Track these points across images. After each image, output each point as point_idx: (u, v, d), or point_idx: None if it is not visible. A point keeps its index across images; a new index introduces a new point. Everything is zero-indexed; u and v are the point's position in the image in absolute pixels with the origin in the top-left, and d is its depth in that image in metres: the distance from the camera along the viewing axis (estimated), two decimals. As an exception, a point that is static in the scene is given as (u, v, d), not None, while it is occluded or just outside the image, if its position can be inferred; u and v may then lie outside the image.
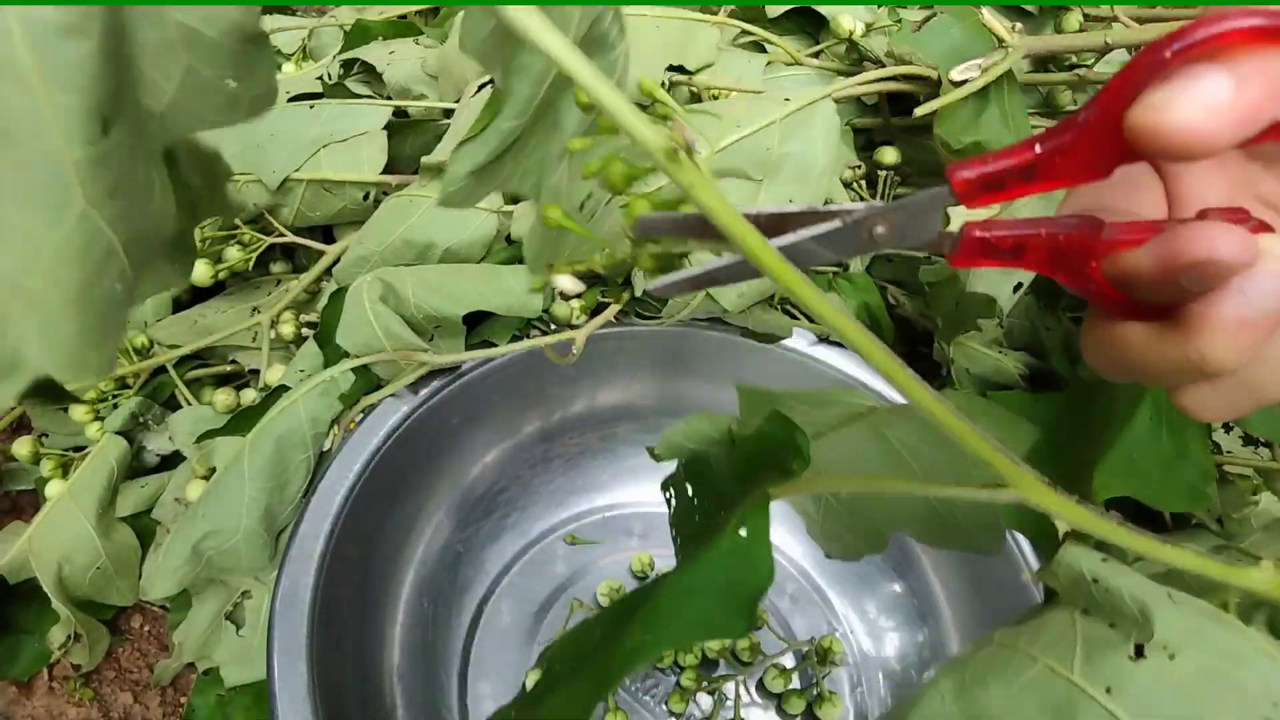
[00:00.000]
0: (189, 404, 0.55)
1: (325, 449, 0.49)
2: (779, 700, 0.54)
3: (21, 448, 0.57)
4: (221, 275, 0.58)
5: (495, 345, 0.51)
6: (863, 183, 0.60)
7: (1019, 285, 0.50)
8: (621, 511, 0.62)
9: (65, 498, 0.53)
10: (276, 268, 0.61)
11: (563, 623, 0.56)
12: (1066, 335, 0.58)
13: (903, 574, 0.58)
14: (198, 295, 0.63)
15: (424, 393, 0.49)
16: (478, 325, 0.52)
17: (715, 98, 0.55)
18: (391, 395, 0.49)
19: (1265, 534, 0.58)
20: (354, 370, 0.49)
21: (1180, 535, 0.58)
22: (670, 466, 0.29)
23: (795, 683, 0.54)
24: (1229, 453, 0.59)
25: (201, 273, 0.58)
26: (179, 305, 0.61)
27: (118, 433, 0.56)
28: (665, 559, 0.59)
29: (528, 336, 0.52)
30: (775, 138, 0.49)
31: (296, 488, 0.51)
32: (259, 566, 0.49)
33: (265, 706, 0.52)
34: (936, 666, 0.55)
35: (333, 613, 0.43)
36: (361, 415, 0.48)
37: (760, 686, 0.55)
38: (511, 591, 0.58)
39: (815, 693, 0.54)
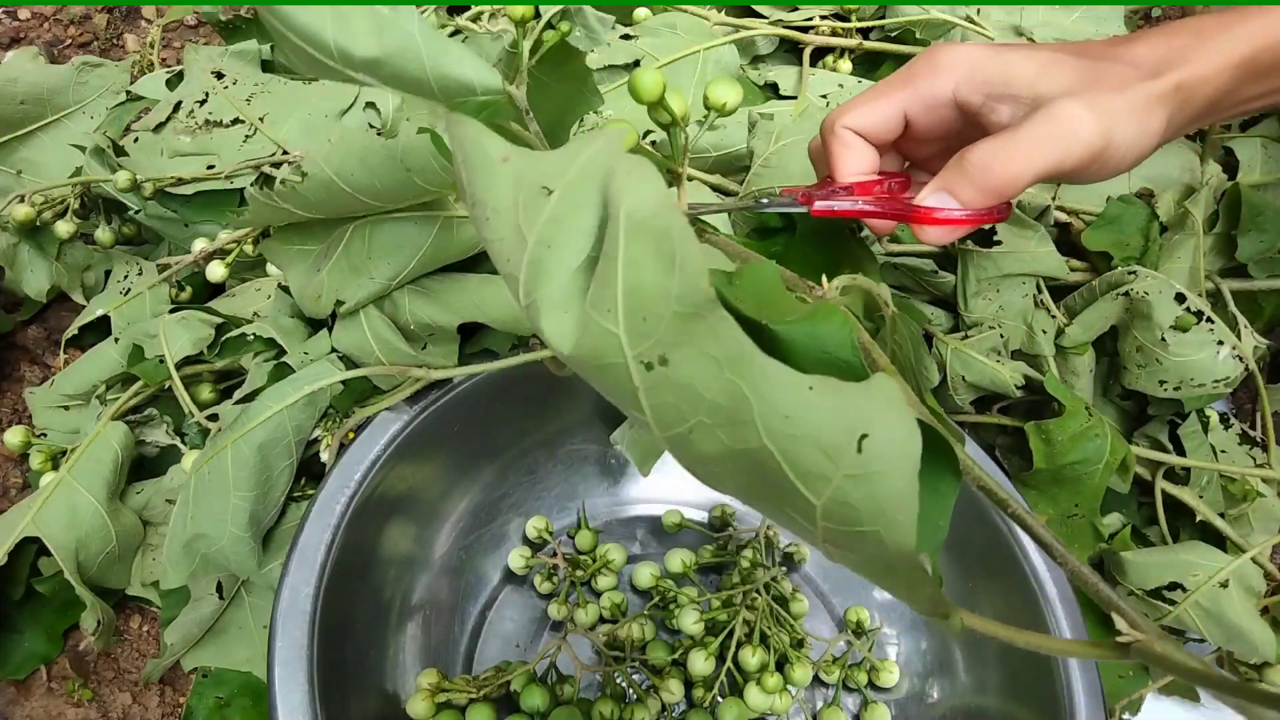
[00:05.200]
0: (186, 401, 0.55)
1: (323, 461, 0.49)
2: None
3: (14, 436, 0.57)
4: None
5: (494, 355, 0.51)
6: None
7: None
8: (622, 516, 0.62)
9: (67, 481, 0.53)
10: (275, 269, 0.60)
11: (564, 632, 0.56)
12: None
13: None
14: (194, 300, 0.63)
15: (424, 401, 0.49)
16: (475, 333, 0.52)
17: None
18: (388, 406, 0.49)
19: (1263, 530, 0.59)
20: (343, 381, 0.49)
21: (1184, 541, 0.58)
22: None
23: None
24: (1224, 452, 0.59)
25: (218, 272, 0.59)
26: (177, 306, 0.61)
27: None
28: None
29: (528, 344, 0.52)
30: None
31: (280, 492, 0.51)
32: (248, 570, 0.50)
33: (263, 708, 0.53)
34: (941, 675, 0.55)
35: (334, 623, 0.43)
36: (359, 426, 0.48)
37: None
38: (514, 598, 0.58)
39: (869, 665, 0.56)
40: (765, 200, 0.42)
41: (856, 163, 0.41)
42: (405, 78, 0.31)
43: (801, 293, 0.28)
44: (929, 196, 0.38)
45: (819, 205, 0.40)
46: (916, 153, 0.44)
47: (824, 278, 0.27)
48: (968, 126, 0.40)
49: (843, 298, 0.27)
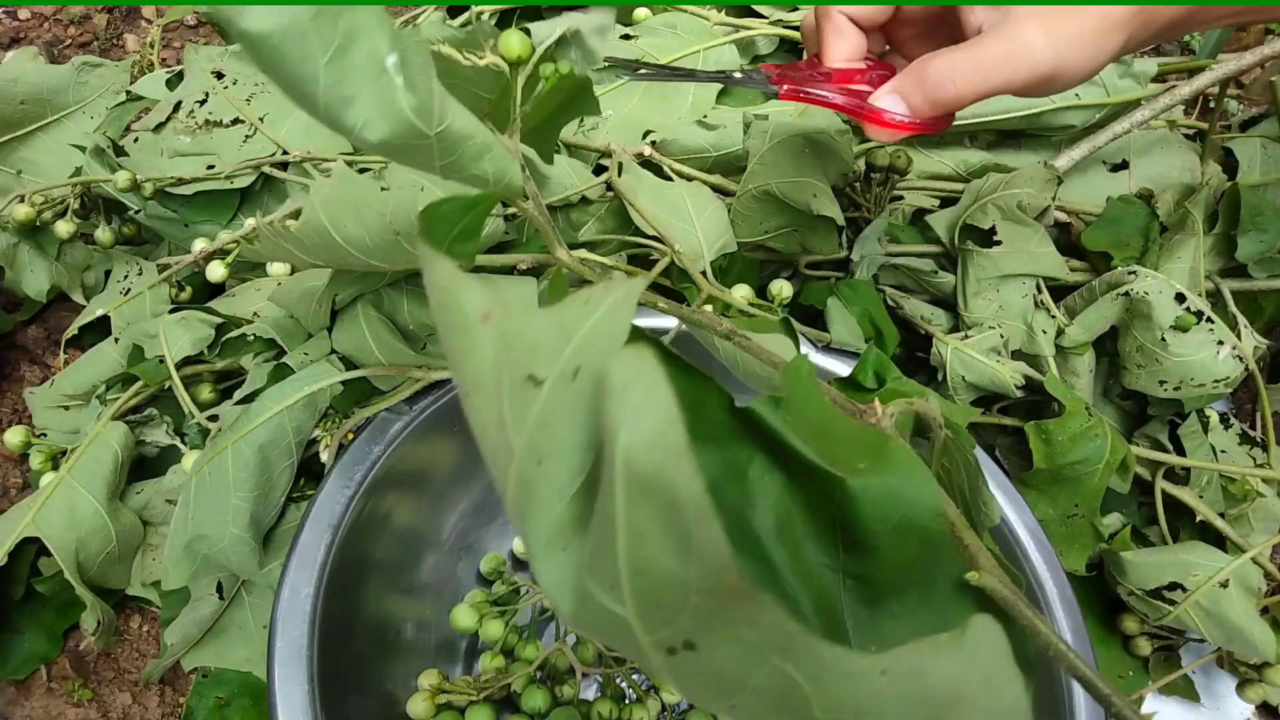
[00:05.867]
0: (186, 401, 0.55)
1: (323, 461, 0.49)
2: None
3: (14, 436, 0.57)
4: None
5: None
6: (856, 185, 0.60)
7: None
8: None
9: (67, 481, 0.53)
10: (275, 268, 0.60)
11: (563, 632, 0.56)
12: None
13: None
14: (194, 300, 0.63)
15: (423, 402, 0.49)
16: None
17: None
18: (387, 407, 0.49)
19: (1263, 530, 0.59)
20: (342, 382, 0.49)
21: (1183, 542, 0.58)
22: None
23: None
24: (1224, 452, 0.59)
25: (218, 272, 0.58)
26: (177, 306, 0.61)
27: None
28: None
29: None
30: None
31: (280, 492, 0.51)
32: (249, 570, 0.50)
33: (263, 708, 0.53)
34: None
35: (334, 623, 0.43)
36: (359, 427, 0.48)
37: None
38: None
39: None
40: (739, 75, 0.44)
41: (844, 48, 0.43)
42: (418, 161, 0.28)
43: (851, 414, 0.25)
44: (882, 98, 0.41)
45: (786, 90, 0.43)
46: (897, 35, 0.46)
47: (877, 401, 0.25)
48: (947, 15, 0.42)
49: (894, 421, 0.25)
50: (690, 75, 0.44)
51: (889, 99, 0.41)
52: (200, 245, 0.59)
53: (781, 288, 0.56)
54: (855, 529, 0.22)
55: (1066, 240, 0.62)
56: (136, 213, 0.64)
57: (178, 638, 0.53)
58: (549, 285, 0.27)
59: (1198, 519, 0.58)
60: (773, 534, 0.22)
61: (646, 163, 0.59)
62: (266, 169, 0.63)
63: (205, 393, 0.57)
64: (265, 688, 0.41)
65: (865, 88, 0.44)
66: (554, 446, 0.17)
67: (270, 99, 0.68)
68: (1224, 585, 0.53)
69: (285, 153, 0.64)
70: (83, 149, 0.67)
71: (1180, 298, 0.54)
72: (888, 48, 0.47)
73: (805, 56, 0.46)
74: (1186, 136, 0.68)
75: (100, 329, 0.62)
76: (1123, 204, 0.59)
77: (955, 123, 0.63)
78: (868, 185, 0.60)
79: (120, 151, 0.65)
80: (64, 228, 0.62)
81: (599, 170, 0.60)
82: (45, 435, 0.60)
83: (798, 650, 0.16)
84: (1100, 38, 0.39)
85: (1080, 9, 0.38)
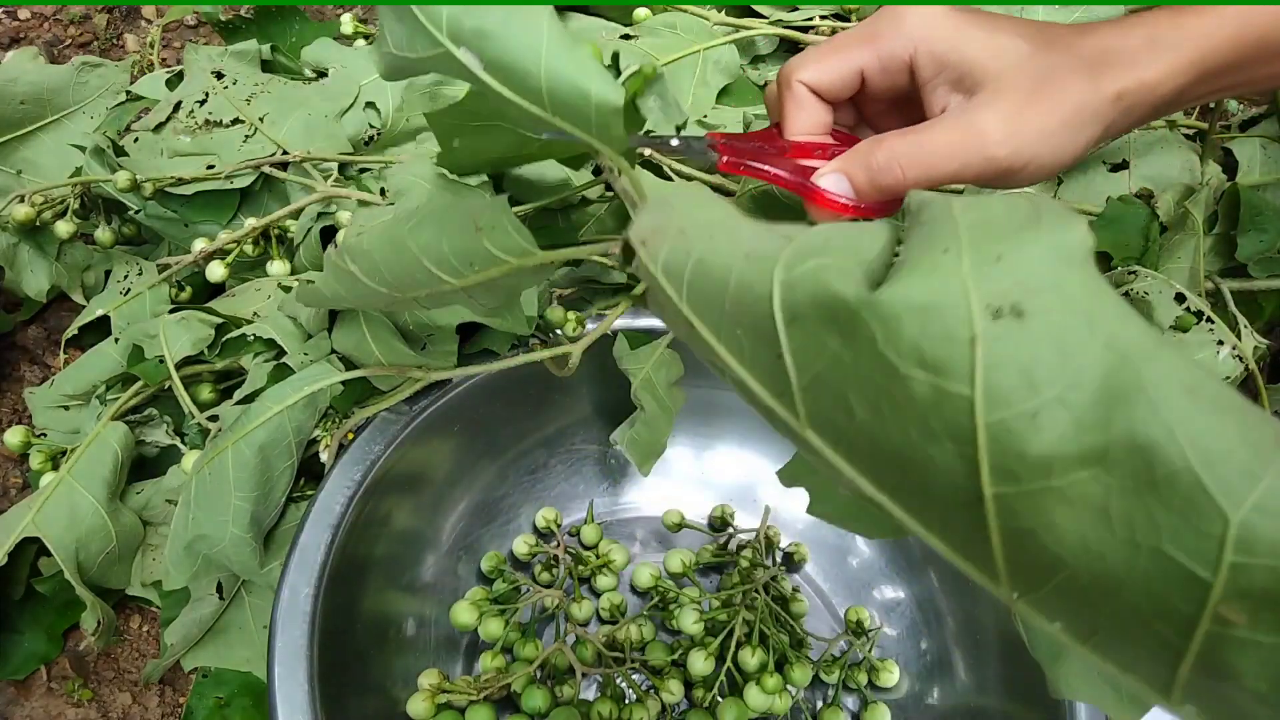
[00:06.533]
0: (186, 402, 0.55)
1: (323, 461, 0.49)
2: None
3: (14, 436, 0.57)
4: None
5: (494, 356, 0.51)
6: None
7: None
8: (622, 517, 0.62)
9: (67, 481, 0.53)
10: (275, 268, 0.60)
11: (563, 633, 0.56)
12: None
13: (908, 581, 0.58)
14: (194, 300, 0.63)
15: (423, 402, 0.49)
16: (474, 333, 0.52)
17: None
18: (387, 407, 0.49)
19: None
20: (342, 382, 0.49)
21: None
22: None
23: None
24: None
25: (218, 272, 0.58)
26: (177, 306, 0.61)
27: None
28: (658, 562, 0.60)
29: (528, 344, 0.52)
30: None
31: (280, 492, 0.51)
32: (249, 571, 0.50)
33: (263, 708, 0.53)
34: (941, 675, 0.55)
35: (334, 623, 0.43)
36: (358, 427, 0.48)
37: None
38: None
39: (869, 665, 0.56)
40: (676, 143, 0.41)
41: (806, 122, 0.40)
42: (511, 66, 0.27)
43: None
44: (826, 177, 0.38)
45: (726, 160, 0.39)
46: (865, 109, 0.43)
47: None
48: (915, 93, 0.39)
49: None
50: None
51: (832, 179, 0.38)
52: (200, 245, 0.59)
53: None
54: None
55: (1066, 240, 0.62)
56: (136, 213, 0.64)
57: (178, 638, 0.53)
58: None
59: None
60: None
61: (646, 163, 0.59)
62: (266, 169, 0.63)
63: (205, 393, 0.57)
64: (265, 688, 0.41)
65: (820, 163, 0.40)
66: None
67: (270, 99, 0.68)
68: (1224, 585, 0.53)
69: (285, 153, 0.64)
70: (83, 149, 0.67)
71: (1180, 298, 0.54)
72: (859, 119, 0.43)
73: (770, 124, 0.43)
74: (1186, 136, 0.68)
75: (100, 329, 0.62)
76: (1123, 204, 0.59)
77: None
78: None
79: (120, 151, 0.65)
80: (64, 228, 0.62)
81: (598, 170, 0.60)
82: (45, 435, 0.60)
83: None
84: (1072, 130, 0.36)
85: (1052, 97, 0.35)
